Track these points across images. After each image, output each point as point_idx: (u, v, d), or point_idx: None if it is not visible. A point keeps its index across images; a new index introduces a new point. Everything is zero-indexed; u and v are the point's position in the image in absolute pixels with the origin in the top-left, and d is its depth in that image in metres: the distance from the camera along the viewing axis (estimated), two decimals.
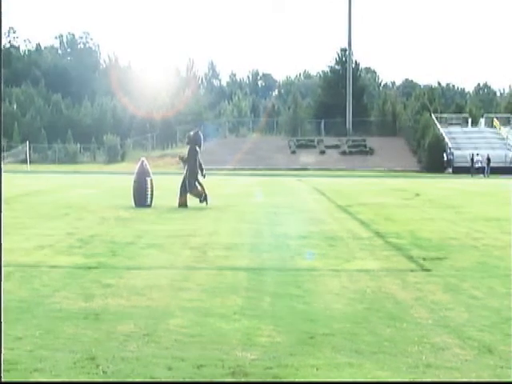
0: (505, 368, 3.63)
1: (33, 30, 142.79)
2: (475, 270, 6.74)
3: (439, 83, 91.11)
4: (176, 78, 73.18)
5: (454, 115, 56.24)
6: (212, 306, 4.99)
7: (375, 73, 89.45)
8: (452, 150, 48.01)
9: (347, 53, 63.59)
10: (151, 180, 14.26)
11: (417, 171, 47.39)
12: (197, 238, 9.03)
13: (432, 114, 53.82)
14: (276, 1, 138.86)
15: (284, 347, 3.97)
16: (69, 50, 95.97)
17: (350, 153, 54.27)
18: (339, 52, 66.25)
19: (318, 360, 3.72)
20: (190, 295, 5.36)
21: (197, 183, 14.27)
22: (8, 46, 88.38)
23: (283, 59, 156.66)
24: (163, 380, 3.39)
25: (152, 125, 63.11)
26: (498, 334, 4.30)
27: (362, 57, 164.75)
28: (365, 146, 54.97)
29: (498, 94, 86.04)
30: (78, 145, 61.57)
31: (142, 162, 14.61)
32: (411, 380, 3.44)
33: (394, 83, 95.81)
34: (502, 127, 52.24)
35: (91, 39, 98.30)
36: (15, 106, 69.60)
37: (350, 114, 60.20)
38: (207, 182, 14.82)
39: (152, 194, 14.17)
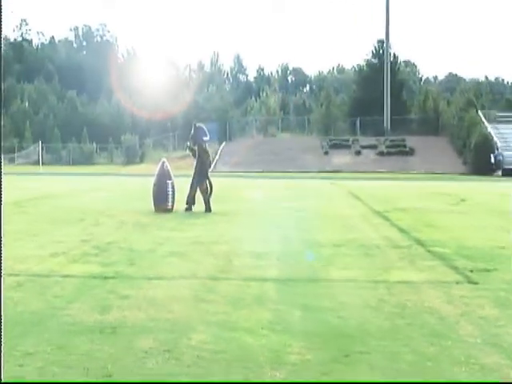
0: None
1: (46, 22, 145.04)
2: None
3: (486, 77, 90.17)
4: (199, 73, 73.58)
5: (503, 112, 55.54)
6: (238, 320, 4.97)
7: (415, 66, 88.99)
8: (501, 150, 47.39)
9: (384, 45, 63.21)
10: (172, 183, 14.31)
11: (462, 173, 46.86)
12: (221, 245, 9.03)
13: (479, 111, 53.19)
14: None
15: (316, 366, 3.93)
16: (84, 43, 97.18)
17: (388, 153, 53.90)
18: (376, 44, 65.88)
19: (354, 381, 3.68)
20: (214, 308, 5.35)
21: (206, 182, 14.43)
22: (20, 39, 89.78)
23: (315, 52, 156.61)
24: (163, 380, 3.37)
25: (173, 123, 63.50)
26: None
27: (401, 49, 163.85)
28: (404, 146, 54.55)
29: None
30: (94, 145, 62.27)
31: (163, 163, 14.64)
32: (410, 380, 3.38)
33: (436, 78, 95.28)
34: None
35: (108, 31, 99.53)
36: (27, 104, 70.59)
37: (388, 111, 59.83)
38: (234, 185, 14.85)
39: (173, 199, 14.22)
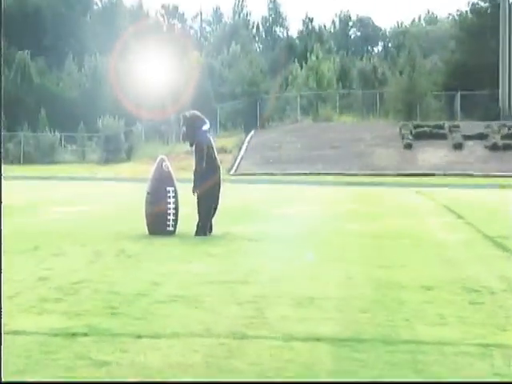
0: None
1: None
2: None
3: None
4: (216, 26, 73.82)
5: None
6: None
7: None
8: None
9: None
10: (175, 191, 14.33)
11: None
12: (249, 286, 9.03)
13: None
14: None
15: None
16: None
17: (506, 147, 53.49)
18: None
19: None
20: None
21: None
22: None
23: None
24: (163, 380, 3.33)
25: (176, 100, 62.48)
26: None
27: None
28: None
29: None
30: (57, 134, 62.36)
31: (161, 162, 14.68)
32: (411, 380, 3.32)
33: None
34: None
35: None
36: None
37: (506, 84, 59.41)
38: (269, 194, 14.84)
39: (176, 214, 14.25)
